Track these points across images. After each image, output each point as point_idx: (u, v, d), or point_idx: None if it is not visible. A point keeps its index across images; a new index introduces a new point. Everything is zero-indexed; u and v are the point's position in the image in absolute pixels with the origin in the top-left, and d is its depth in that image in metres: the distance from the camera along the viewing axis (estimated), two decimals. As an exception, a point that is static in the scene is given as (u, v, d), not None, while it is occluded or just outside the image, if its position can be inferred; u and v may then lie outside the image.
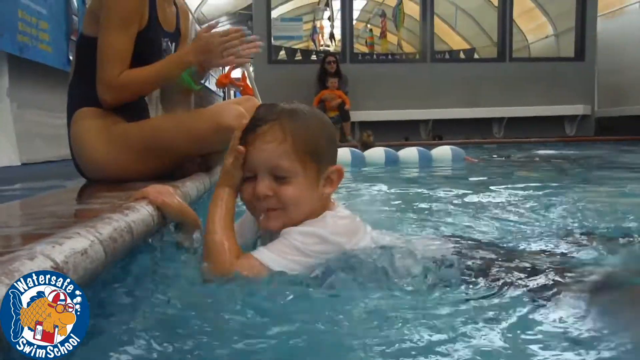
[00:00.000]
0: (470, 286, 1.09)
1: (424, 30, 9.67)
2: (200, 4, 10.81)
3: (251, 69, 7.20)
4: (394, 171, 4.42)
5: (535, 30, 12.26)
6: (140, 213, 1.10)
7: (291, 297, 0.99)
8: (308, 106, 1.25)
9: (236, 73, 9.54)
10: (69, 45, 5.00)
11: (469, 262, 1.17)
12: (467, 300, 1.02)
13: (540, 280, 1.09)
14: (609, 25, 10.26)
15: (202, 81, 2.29)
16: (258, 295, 1.01)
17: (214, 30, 2.12)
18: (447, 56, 10.70)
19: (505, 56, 9.78)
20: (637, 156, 6.06)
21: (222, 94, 14.70)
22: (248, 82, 6.96)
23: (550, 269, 1.14)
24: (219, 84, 7.28)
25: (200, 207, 1.62)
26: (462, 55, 10.86)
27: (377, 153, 4.94)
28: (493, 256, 1.23)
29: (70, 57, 4.98)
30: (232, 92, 14.52)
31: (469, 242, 1.40)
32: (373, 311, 0.96)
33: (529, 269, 1.15)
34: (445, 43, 13.10)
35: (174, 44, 2.39)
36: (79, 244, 0.75)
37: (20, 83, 4.33)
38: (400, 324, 0.90)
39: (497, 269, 1.15)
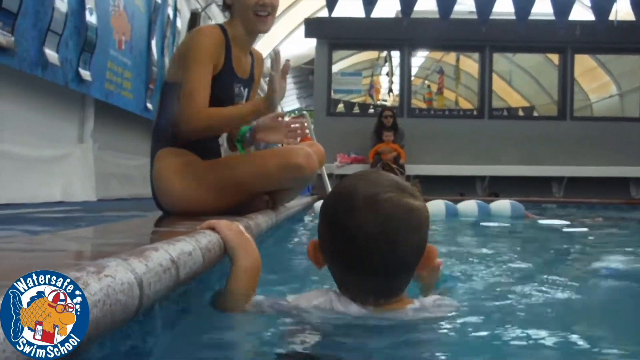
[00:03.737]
0: None
1: (482, 87, 9.75)
2: (264, 59, 11.38)
3: (310, 119, 7.46)
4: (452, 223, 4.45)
5: (598, 89, 12.08)
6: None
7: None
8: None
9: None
10: (147, 93, 5.43)
11: None
12: None
13: None
14: (676, 86, 9.97)
15: (250, 147, 2.57)
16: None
17: (281, 119, 2.46)
18: (505, 113, 10.66)
19: (566, 115, 9.64)
20: None
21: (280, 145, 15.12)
22: (307, 132, 7.21)
23: None
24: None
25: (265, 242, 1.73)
26: (520, 113, 10.81)
27: (437, 206, 5.00)
28: None
29: (148, 104, 5.40)
30: (290, 143, 14.90)
31: None
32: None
33: None
34: (503, 100, 13.09)
35: (246, 89, 2.59)
36: (187, 247, 0.89)
37: (103, 126, 4.74)
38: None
39: None
